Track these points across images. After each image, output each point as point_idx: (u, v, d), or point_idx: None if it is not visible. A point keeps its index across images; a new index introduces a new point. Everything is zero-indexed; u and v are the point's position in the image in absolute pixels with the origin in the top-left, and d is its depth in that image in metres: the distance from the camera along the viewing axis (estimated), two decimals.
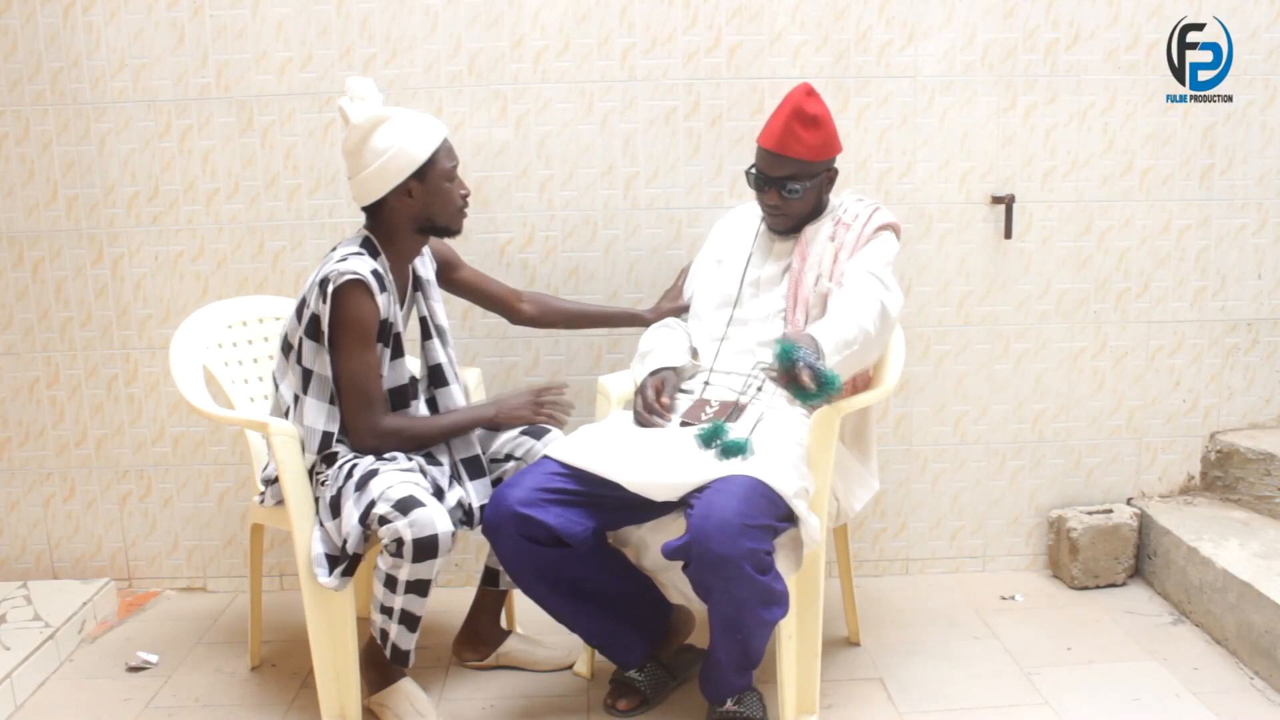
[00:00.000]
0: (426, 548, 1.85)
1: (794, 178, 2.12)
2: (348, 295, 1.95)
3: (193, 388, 2.15)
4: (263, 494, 2.16)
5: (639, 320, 2.40)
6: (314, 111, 2.56)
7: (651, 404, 2.10)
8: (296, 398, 2.03)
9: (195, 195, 2.60)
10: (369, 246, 2.04)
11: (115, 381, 2.68)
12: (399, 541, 1.85)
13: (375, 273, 1.98)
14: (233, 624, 2.58)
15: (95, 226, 2.61)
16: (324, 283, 1.96)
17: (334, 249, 2.05)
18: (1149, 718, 2.06)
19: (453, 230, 2.10)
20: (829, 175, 2.19)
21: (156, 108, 2.56)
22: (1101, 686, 2.18)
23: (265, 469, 2.17)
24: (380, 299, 1.98)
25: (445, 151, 2.04)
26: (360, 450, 2.02)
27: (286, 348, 2.06)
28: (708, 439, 1.95)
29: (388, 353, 2.06)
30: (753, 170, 2.17)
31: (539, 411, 2.10)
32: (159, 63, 2.55)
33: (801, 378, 1.75)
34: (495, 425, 2.13)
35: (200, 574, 2.77)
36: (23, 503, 2.74)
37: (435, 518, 1.86)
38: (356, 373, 1.98)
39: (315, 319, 1.98)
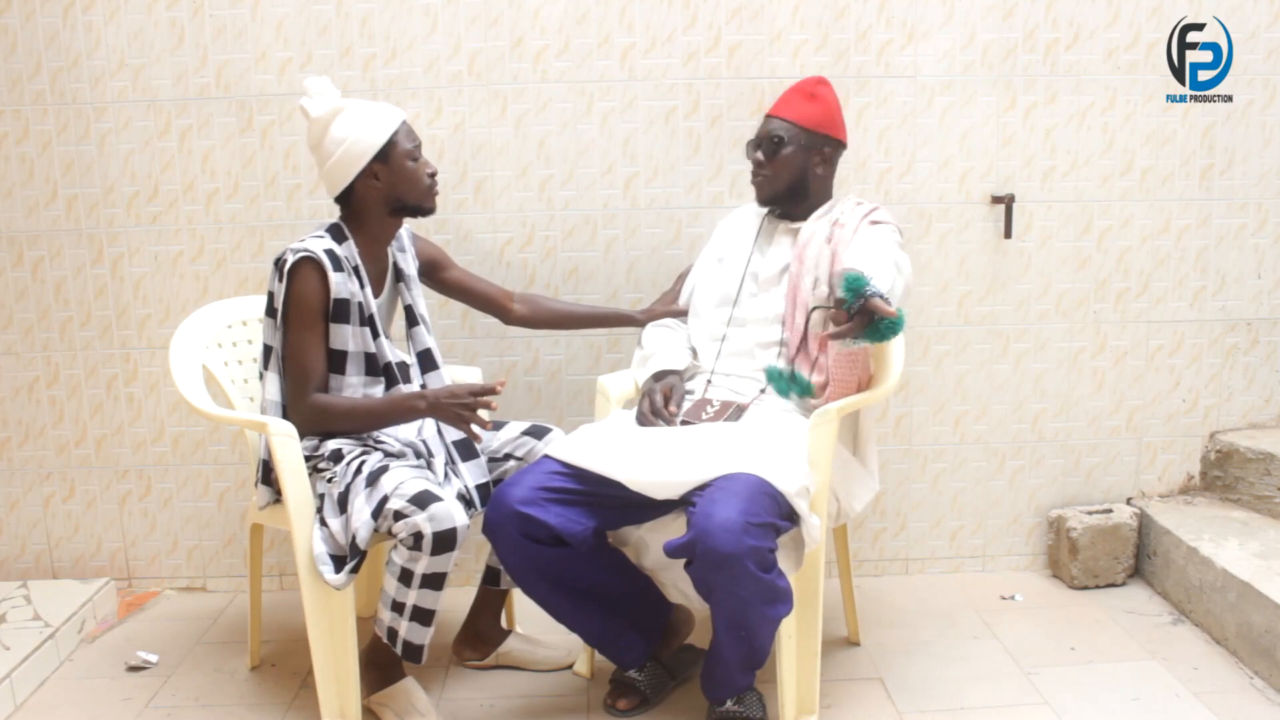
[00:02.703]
0: (445, 541, 1.87)
1: (782, 134, 2.17)
2: (297, 273, 2.00)
3: (192, 387, 2.15)
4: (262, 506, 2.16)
5: (631, 321, 2.41)
6: None
7: (660, 410, 2.10)
8: (261, 374, 2.09)
9: (195, 195, 2.60)
10: (334, 231, 2.09)
11: (115, 381, 2.68)
12: (418, 535, 1.86)
13: (330, 252, 2.03)
14: (233, 624, 2.58)
15: (95, 226, 2.62)
16: (278, 262, 2.02)
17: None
18: (1149, 718, 2.06)
19: (424, 209, 2.13)
20: (822, 155, 2.20)
21: (156, 107, 2.56)
22: (1101, 686, 2.18)
23: (258, 470, 2.16)
24: (334, 278, 2.02)
25: (404, 132, 2.08)
26: (292, 419, 2.04)
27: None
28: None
29: (366, 331, 2.09)
30: (749, 143, 2.23)
31: (464, 421, 1.98)
32: (159, 63, 2.55)
33: (881, 308, 1.66)
34: (420, 411, 2.03)
35: (200, 574, 2.77)
36: (23, 503, 2.74)
37: (453, 511, 1.88)
38: (294, 351, 2.03)
39: (271, 296, 2.05)
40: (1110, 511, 2.66)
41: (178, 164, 2.59)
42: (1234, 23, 2.56)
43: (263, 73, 2.55)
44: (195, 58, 2.54)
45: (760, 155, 2.19)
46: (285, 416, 2.07)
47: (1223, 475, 2.72)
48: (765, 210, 2.32)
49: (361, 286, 2.07)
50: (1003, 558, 2.78)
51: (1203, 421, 2.75)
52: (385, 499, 1.89)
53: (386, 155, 2.05)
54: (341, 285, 2.03)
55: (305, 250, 2.00)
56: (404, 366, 2.16)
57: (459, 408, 1.98)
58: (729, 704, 1.99)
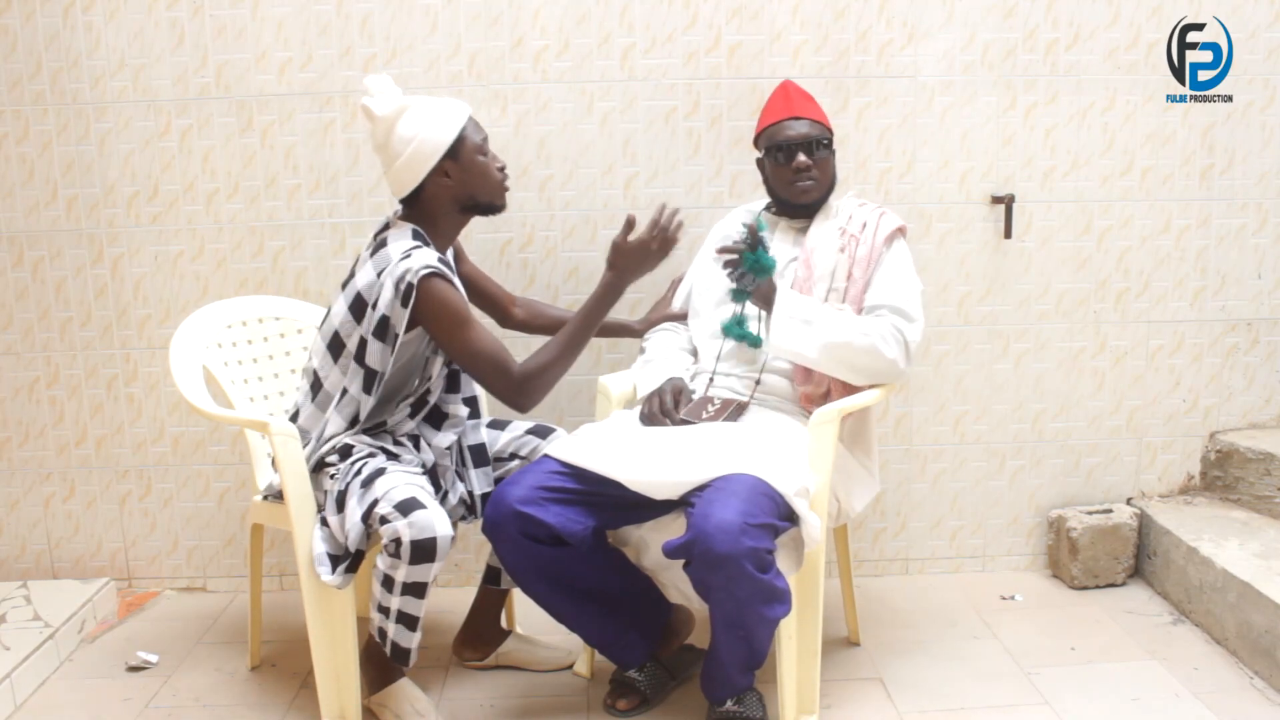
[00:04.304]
0: (424, 550, 1.85)
1: (818, 137, 2.18)
2: (432, 288, 1.92)
3: (192, 388, 2.15)
4: (267, 493, 2.16)
5: (628, 331, 2.40)
6: (314, 111, 2.56)
7: (670, 411, 2.10)
8: (344, 391, 2.02)
9: (195, 195, 2.60)
10: (420, 239, 2.01)
11: (115, 381, 2.68)
12: (397, 542, 1.85)
13: (441, 260, 1.97)
14: (233, 624, 2.58)
15: (95, 226, 2.62)
16: (399, 284, 1.92)
17: (382, 245, 2.00)
18: (1149, 718, 2.06)
19: (497, 206, 2.07)
20: (834, 154, 2.24)
21: (156, 108, 2.57)
22: (1101, 686, 2.18)
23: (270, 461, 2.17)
24: (455, 280, 1.97)
25: (473, 126, 2.02)
26: (518, 406, 1.99)
27: (336, 346, 2.03)
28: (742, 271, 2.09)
29: None
30: (777, 146, 2.18)
31: (666, 248, 2.03)
32: (159, 63, 2.55)
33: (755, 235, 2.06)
34: (619, 290, 2.03)
35: (200, 574, 2.77)
36: (23, 503, 2.74)
37: (435, 521, 1.86)
38: (477, 351, 1.95)
39: (386, 320, 1.95)
40: (1110, 511, 2.66)
41: (178, 164, 2.59)
42: (1234, 23, 2.56)
43: (263, 73, 2.55)
44: (195, 58, 2.54)
45: (805, 159, 2.16)
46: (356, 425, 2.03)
47: (1223, 475, 2.72)
48: (762, 209, 2.32)
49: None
50: (1003, 558, 2.78)
51: (1203, 421, 2.75)
52: (375, 502, 1.88)
53: (457, 151, 1.98)
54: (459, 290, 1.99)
55: (425, 266, 1.91)
56: None
57: (651, 243, 2.02)
58: (729, 704, 1.99)
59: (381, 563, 1.90)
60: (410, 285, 1.90)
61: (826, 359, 2.06)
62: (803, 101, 2.22)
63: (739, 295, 2.13)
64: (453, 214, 2.05)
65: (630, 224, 2.02)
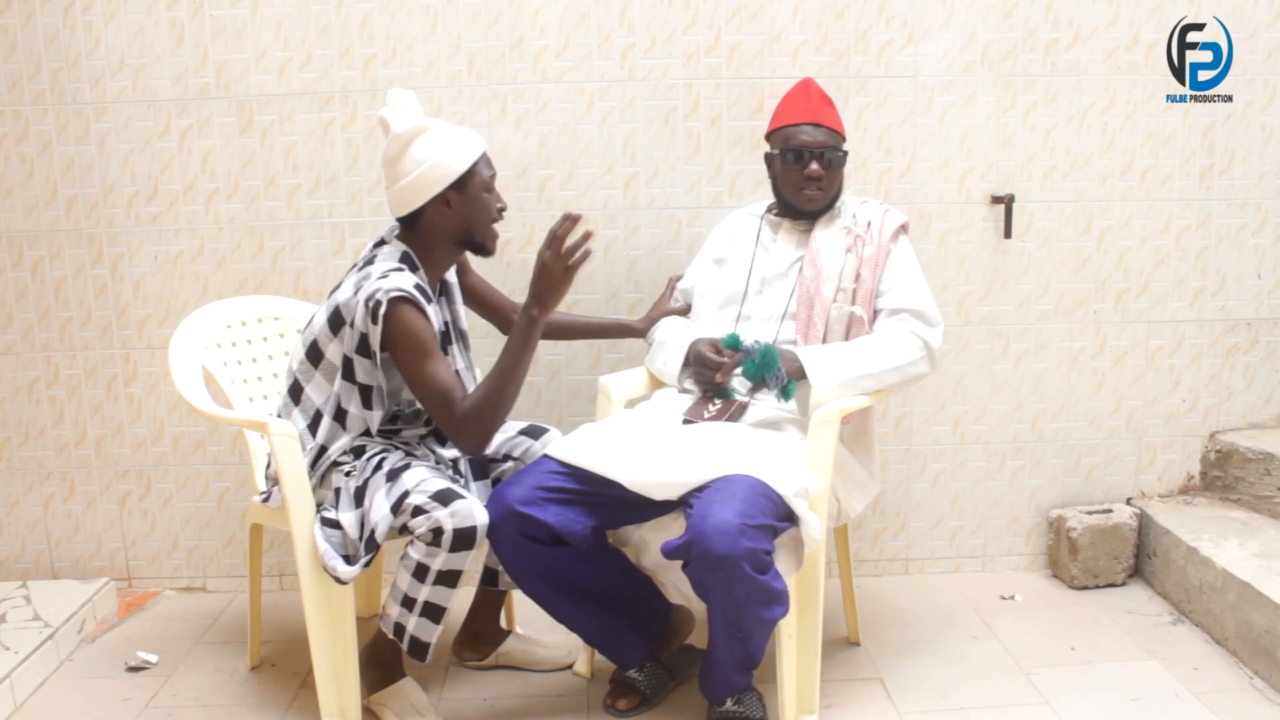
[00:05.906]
0: (465, 538, 1.87)
1: (834, 146, 2.18)
2: (399, 313, 1.91)
3: (192, 388, 2.15)
4: (266, 494, 2.15)
5: (631, 331, 2.40)
6: (314, 111, 2.56)
7: (713, 360, 2.10)
8: (344, 410, 2.02)
9: (195, 195, 2.60)
10: (408, 262, 2.01)
11: (115, 381, 2.68)
12: (437, 531, 1.86)
13: (419, 287, 1.95)
14: (232, 624, 2.58)
15: (95, 226, 2.62)
16: (369, 302, 1.92)
17: (370, 261, 2.01)
18: (1149, 718, 2.06)
19: (487, 248, 2.07)
20: (844, 160, 2.23)
21: (156, 108, 2.57)
22: (1101, 686, 2.18)
23: (269, 467, 2.16)
24: (429, 309, 1.96)
25: (484, 162, 2.03)
26: (461, 446, 1.95)
27: (314, 354, 2.03)
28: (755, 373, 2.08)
29: (454, 351, 2.09)
30: (791, 149, 2.17)
31: (569, 273, 1.86)
32: (159, 63, 2.55)
33: (767, 384, 2.07)
34: (539, 323, 1.91)
35: (200, 574, 2.77)
36: (23, 503, 2.74)
37: (475, 510, 1.88)
38: (431, 384, 1.93)
39: (364, 338, 1.96)
40: (1110, 511, 2.66)
41: (178, 164, 2.59)
42: (1234, 23, 2.56)
43: (263, 73, 2.55)
44: (195, 58, 2.54)
45: (819, 168, 2.16)
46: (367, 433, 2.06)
47: (1223, 475, 2.72)
48: (763, 211, 2.32)
49: (440, 313, 2.04)
50: (1003, 558, 2.78)
51: (1203, 421, 2.75)
52: (405, 494, 1.90)
53: (464, 184, 1.98)
54: (435, 316, 1.98)
55: (397, 289, 1.91)
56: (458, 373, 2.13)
57: (564, 260, 1.85)
58: (729, 704, 1.99)
59: (415, 552, 1.90)
60: (379, 303, 1.90)
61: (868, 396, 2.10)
62: (823, 106, 2.20)
63: (784, 393, 2.06)
64: (448, 244, 2.05)
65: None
